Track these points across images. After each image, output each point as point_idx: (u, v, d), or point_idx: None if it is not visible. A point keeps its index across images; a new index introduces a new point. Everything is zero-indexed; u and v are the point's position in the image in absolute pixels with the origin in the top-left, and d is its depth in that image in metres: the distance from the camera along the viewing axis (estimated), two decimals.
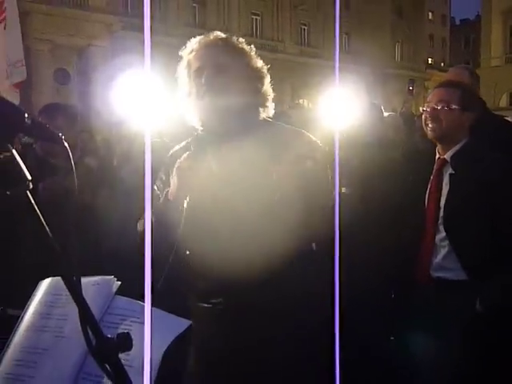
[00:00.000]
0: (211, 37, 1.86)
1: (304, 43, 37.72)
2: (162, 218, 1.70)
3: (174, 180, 1.74)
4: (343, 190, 1.70)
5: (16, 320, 1.38)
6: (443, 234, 2.44)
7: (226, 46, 1.85)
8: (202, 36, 1.88)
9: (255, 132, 1.80)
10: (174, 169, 1.74)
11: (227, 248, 1.69)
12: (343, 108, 2.91)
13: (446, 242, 2.43)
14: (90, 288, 0.93)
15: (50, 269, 1.22)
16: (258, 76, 1.88)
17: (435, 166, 2.55)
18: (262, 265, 1.64)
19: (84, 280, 0.94)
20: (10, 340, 1.33)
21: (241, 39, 1.92)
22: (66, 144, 0.89)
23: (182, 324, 1.21)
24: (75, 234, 0.85)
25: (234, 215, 1.73)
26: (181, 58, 1.88)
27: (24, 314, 1.36)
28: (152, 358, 1.16)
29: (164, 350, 1.17)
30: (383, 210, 2.80)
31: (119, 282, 1.29)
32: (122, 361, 0.95)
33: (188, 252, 1.79)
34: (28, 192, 0.79)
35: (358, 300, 2.70)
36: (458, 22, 67.08)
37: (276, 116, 2.02)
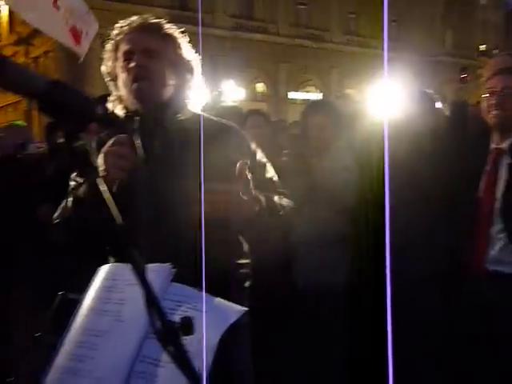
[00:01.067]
0: (142, 20, 1.75)
1: (351, 32, 37.10)
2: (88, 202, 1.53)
3: (100, 164, 1.54)
4: None
5: (76, 304, 1.43)
6: (500, 225, 2.37)
7: (158, 31, 1.74)
8: (133, 18, 1.76)
9: (182, 122, 1.73)
10: (101, 154, 1.54)
11: (154, 237, 1.56)
12: (392, 98, 2.85)
13: (503, 234, 2.37)
14: (147, 275, 0.96)
15: (113, 255, 1.26)
16: (188, 66, 1.77)
17: (490, 156, 2.49)
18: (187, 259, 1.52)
19: None
20: (71, 323, 1.39)
21: (171, 25, 1.78)
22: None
23: (238, 311, 1.23)
24: (145, 221, 0.88)
25: (162, 205, 1.59)
26: (109, 38, 1.76)
27: (84, 298, 1.42)
28: (207, 344, 1.19)
29: (219, 336, 1.19)
30: (434, 201, 2.74)
31: (175, 269, 1.33)
32: None
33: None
34: (98, 180, 0.82)
35: (406, 291, 2.66)
36: None
37: None
